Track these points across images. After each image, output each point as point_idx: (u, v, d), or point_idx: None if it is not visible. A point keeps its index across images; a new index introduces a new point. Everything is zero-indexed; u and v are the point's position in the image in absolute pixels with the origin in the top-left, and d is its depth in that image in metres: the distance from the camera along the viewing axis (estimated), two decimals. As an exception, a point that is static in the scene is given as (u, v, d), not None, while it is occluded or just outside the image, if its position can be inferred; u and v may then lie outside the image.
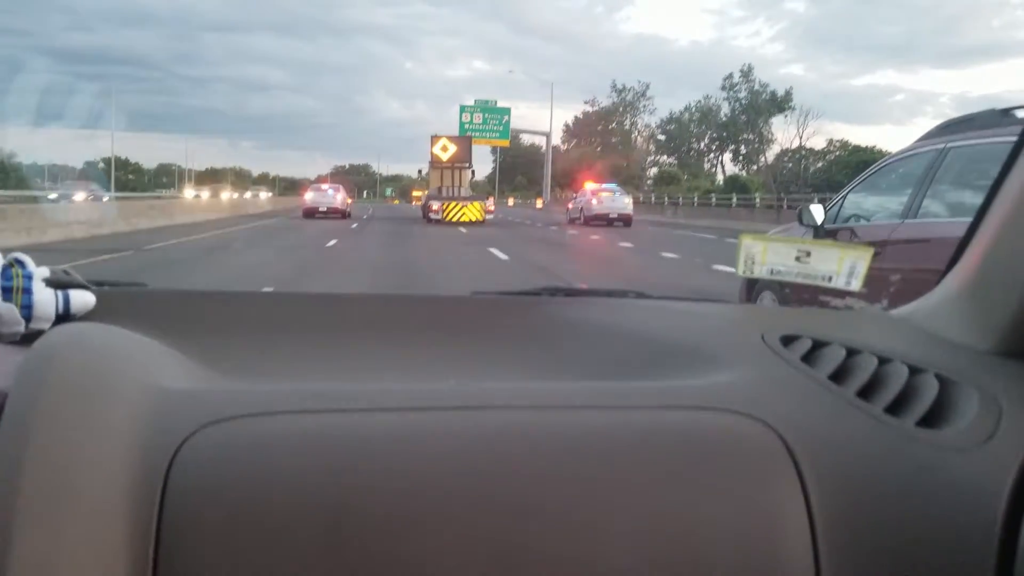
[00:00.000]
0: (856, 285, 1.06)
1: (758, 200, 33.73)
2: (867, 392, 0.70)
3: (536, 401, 0.67)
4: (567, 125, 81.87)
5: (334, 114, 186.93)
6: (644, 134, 75.11)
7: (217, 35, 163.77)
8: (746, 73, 63.16)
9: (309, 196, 31.79)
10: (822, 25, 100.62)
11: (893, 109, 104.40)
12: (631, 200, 28.86)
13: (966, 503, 0.60)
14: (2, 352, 0.77)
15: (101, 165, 67.94)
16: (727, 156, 68.01)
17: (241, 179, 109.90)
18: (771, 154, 59.34)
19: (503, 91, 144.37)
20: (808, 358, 0.78)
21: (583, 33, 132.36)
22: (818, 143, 60.94)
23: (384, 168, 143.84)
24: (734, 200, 33.89)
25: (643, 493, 0.60)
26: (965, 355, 0.77)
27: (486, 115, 44.14)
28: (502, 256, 13.56)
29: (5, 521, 0.50)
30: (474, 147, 32.62)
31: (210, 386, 0.71)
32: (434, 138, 27.47)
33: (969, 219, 0.86)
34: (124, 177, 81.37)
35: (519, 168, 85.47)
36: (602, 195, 27.62)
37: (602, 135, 75.82)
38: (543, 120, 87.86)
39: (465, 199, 25.85)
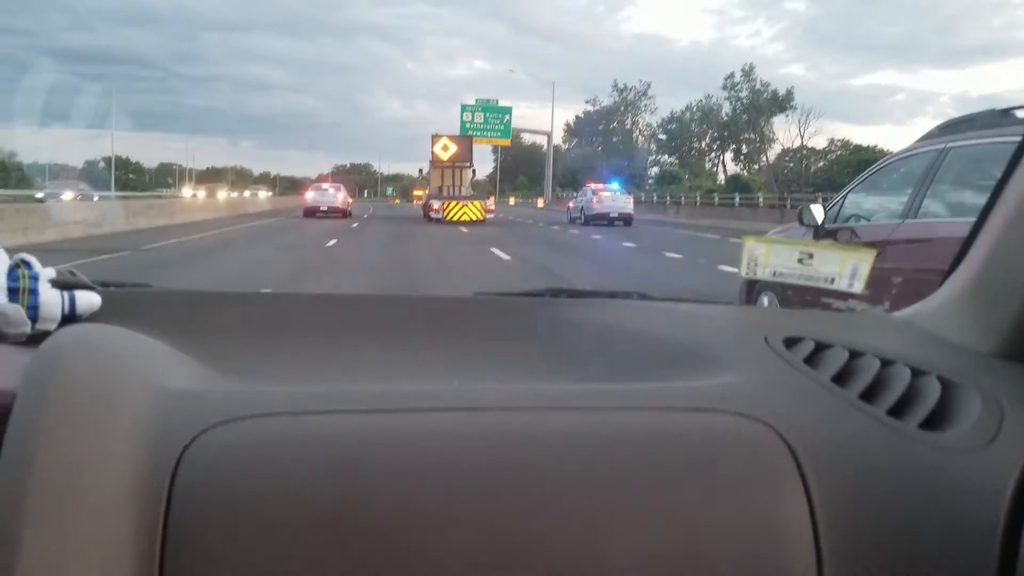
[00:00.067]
0: (858, 287, 1.06)
1: (761, 200, 33.61)
2: (870, 394, 0.71)
3: (539, 402, 0.67)
4: (568, 124, 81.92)
5: (335, 113, 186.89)
6: (645, 133, 75.12)
7: (218, 34, 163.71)
8: (747, 72, 62.98)
9: (310, 195, 31.77)
10: (822, 25, 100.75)
11: (893, 109, 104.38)
12: (632, 199, 28.89)
13: (968, 505, 0.61)
14: (9, 353, 0.77)
15: (102, 164, 67.89)
16: (728, 155, 67.99)
17: (242, 178, 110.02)
18: (772, 153, 59.26)
19: (504, 91, 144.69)
20: (811, 360, 0.78)
21: (584, 33, 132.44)
22: (819, 143, 60.63)
23: (385, 167, 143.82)
24: (737, 200, 33.78)
25: (646, 494, 0.60)
26: (967, 357, 0.77)
27: (487, 114, 44.18)
28: (504, 256, 13.54)
29: (14, 521, 0.51)
30: (475, 146, 32.60)
31: (215, 387, 0.71)
32: (435, 137, 27.35)
33: (969, 219, 0.86)
34: (125, 176, 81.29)
35: (520, 167, 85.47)
36: (603, 194, 27.65)
37: (603, 134, 75.76)
38: (544, 119, 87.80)
39: (466, 198, 25.76)
